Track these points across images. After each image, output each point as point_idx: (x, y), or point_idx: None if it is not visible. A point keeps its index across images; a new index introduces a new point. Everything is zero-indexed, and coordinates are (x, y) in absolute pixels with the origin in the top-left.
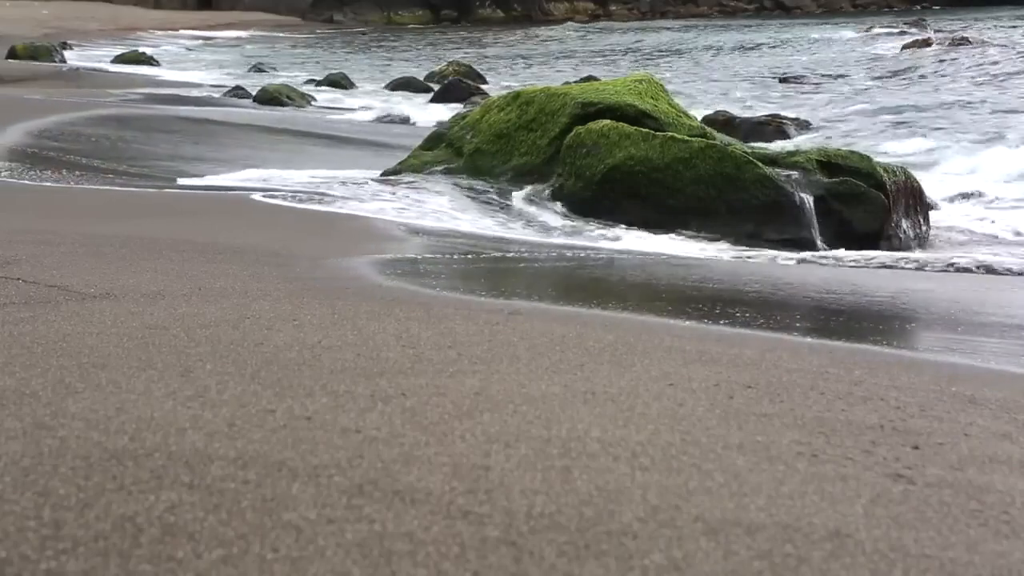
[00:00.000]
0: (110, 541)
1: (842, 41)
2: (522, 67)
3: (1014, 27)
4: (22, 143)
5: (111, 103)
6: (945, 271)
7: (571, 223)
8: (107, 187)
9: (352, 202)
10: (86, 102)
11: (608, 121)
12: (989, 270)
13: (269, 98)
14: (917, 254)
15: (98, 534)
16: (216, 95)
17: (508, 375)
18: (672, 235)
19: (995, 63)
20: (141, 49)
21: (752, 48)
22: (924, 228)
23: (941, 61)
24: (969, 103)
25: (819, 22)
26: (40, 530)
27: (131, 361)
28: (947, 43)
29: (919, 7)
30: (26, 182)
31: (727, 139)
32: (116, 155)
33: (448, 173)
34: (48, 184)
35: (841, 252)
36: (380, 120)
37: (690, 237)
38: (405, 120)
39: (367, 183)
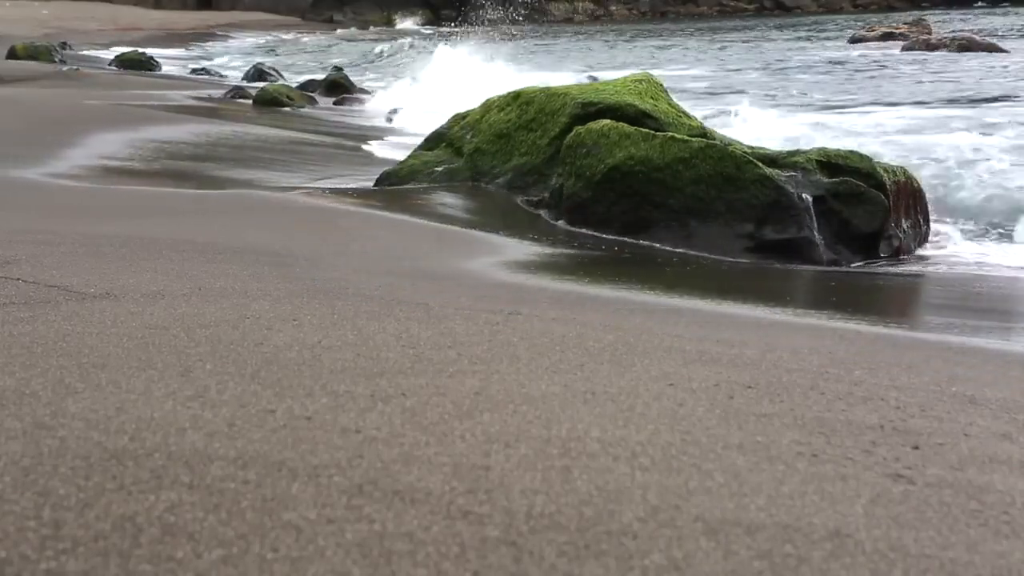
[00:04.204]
0: (110, 541)
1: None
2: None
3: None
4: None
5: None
6: None
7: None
8: (106, 187)
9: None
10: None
11: (608, 121)
12: None
13: (269, 99)
14: None
15: (98, 534)
16: (217, 94)
17: (508, 375)
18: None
19: (1005, 66)
20: (140, 50)
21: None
22: (924, 228)
23: (943, 63)
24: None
25: (818, 24)
26: (40, 530)
27: (131, 361)
28: (950, 45)
29: (922, 6)
30: (25, 180)
31: (728, 138)
32: None
33: (448, 173)
34: (47, 182)
35: None
36: (383, 119)
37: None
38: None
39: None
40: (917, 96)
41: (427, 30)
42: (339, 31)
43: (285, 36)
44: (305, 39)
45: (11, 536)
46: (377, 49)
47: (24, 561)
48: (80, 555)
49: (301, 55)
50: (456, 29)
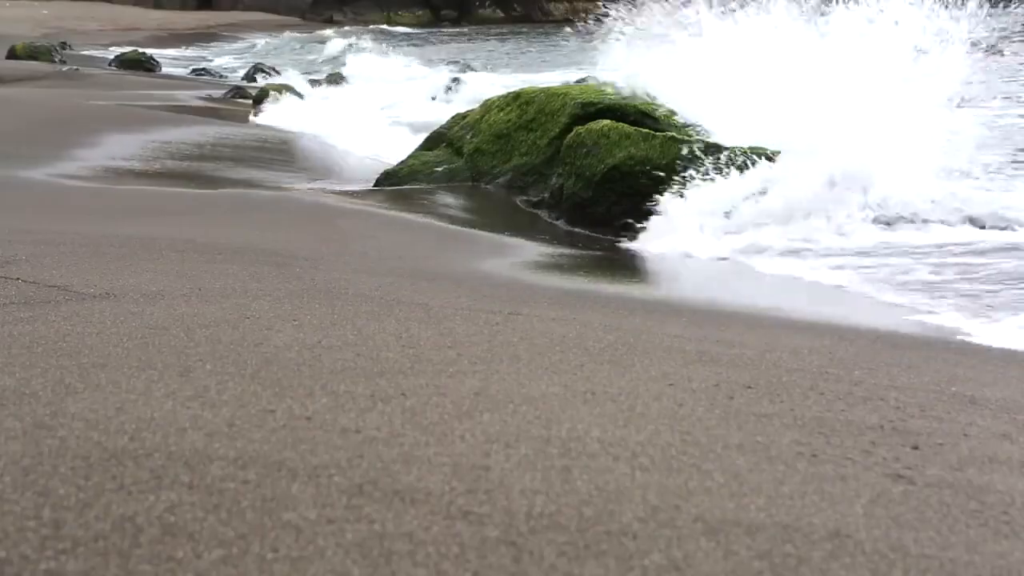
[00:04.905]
0: (110, 541)
1: None
2: (520, 65)
3: None
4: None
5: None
6: None
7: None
8: (107, 187)
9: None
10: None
11: (608, 121)
12: None
13: (267, 98)
14: None
15: (98, 534)
16: (217, 94)
17: (508, 375)
18: None
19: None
20: (140, 50)
21: None
22: None
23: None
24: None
25: None
26: (40, 530)
27: (131, 361)
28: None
29: None
30: (24, 179)
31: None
32: None
33: (448, 173)
34: (47, 181)
35: None
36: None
37: None
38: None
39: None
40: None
41: (418, 31)
42: (322, 31)
43: (284, 36)
44: (259, 42)
45: (11, 536)
46: (326, 52)
47: (24, 561)
48: (80, 555)
49: (303, 52)
50: (452, 29)
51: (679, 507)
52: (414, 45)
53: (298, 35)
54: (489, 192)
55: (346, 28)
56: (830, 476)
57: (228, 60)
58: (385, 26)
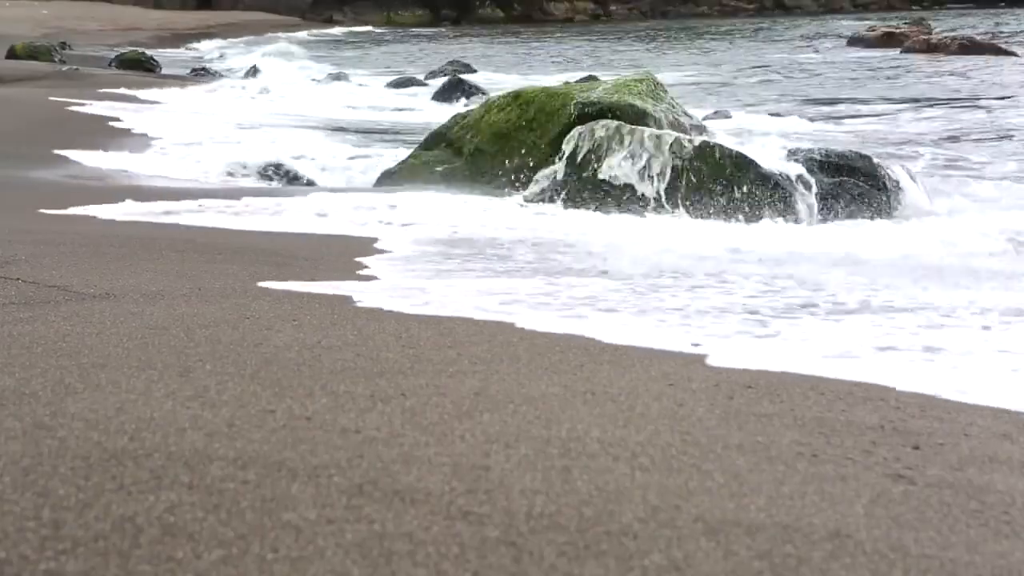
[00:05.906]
0: (110, 541)
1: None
2: (521, 65)
3: None
4: None
5: None
6: None
7: None
8: (106, 186)
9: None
10: None
11: (608, 121)
12: None
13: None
14: None
15: (98, 534)
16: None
17: (508, 375)
18: None
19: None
20: (140, 50)
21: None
22: None
23: (939, 65)
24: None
25: (819, 24)
26: (40, 530)
27: (131, 361)
28: (951, 46)
29: (923, 6)
30: (23, 178)
31: (728, 138)
32: None
33: (448, 173)
34: (47, 179)
35: None
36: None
37: None
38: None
39: None
40: (893, 97)
41: (418, 30)
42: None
43: (284, 35)
44: (305, 37)
45: (11, 536)
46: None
47: (24, 561)
48: (80, 555)
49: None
50: (451, 29)
51: (679, 507)
52: (416, 44)
53: (256, 37)
54: (489, 192)
55: (344, 28)
56: (830, 476)
57: (227, 60)
58: (378, 27)
